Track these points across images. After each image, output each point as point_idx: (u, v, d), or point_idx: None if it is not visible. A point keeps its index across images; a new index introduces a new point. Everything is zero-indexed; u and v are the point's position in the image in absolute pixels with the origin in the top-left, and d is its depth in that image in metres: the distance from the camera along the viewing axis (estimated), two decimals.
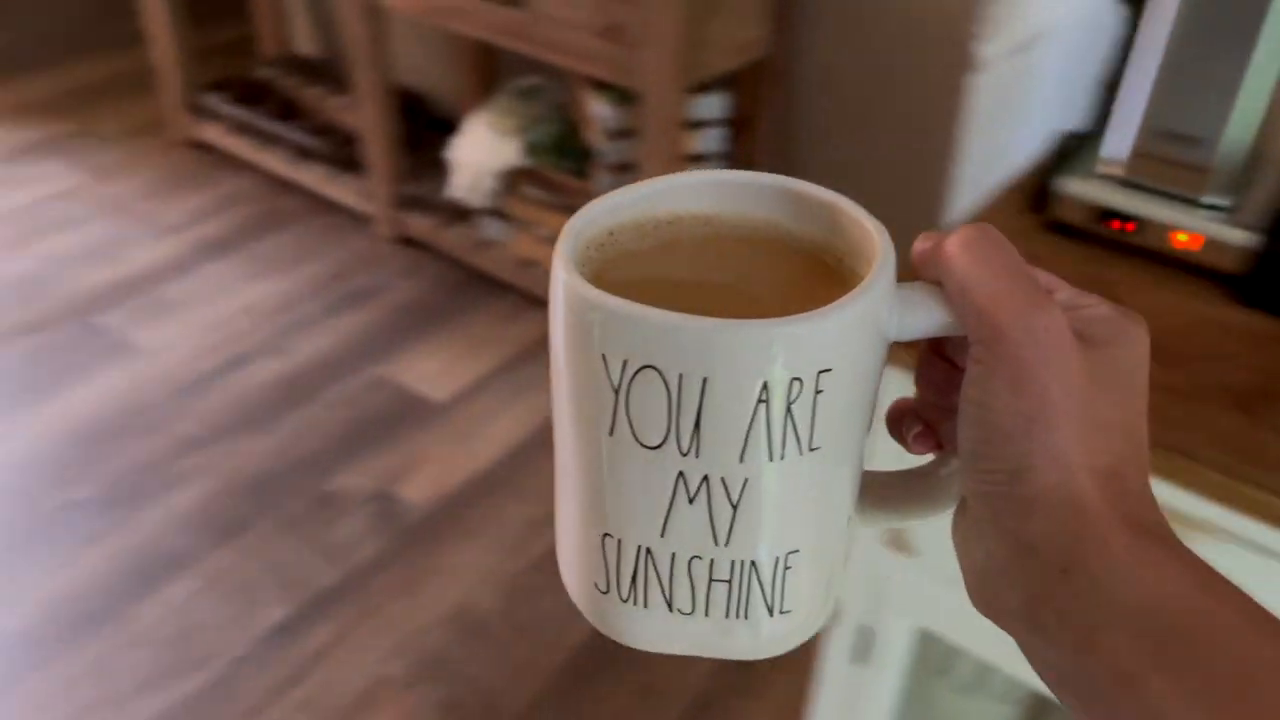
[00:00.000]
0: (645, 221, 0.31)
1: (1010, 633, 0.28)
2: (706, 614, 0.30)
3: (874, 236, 0.29)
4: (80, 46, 2.66)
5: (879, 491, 0.33)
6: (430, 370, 1.67)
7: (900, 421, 0.33)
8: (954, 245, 0.28)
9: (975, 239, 0.27)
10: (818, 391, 0.27)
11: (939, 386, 0.31)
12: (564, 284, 0.28)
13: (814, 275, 0.31)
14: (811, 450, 0.28)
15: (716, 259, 0.32)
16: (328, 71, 2.19)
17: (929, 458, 0.33)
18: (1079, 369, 0.26)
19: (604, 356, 0.27)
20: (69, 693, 1.17)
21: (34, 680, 1.18)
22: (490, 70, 1.99)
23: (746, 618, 0.30)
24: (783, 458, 0.28)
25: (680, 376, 0.27)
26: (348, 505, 1.42)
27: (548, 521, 1.56)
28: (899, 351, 0.30)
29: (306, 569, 1.32)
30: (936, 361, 0.31)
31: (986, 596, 0.28)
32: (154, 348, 1.69)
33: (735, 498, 0.28)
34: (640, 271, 0.31)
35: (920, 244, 0.29)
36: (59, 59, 2.59)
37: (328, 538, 1.37)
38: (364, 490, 1.44)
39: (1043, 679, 0.28)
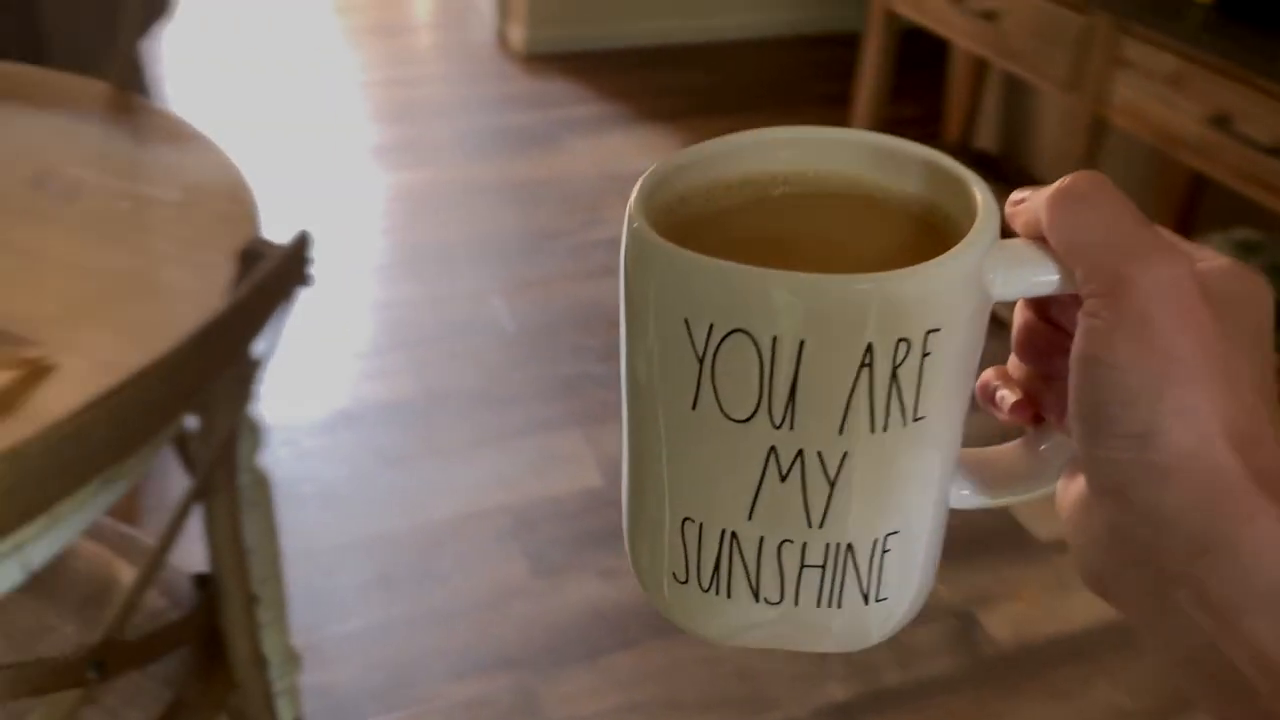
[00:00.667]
0: (719, 183, 0.29)
1: (1130, 613, 0.26)
2: (796, 603, 0.28)
3: (972, 190, 0.27)
4: (783, 99, 2.94)
5: (973, 471, 0.31)
6: (1041, 505, 1.57)
7: (994, 393, 0.31)
8: (1061, 195, 0.26)
9: (1085, 188, 0.25)
10: (925, 354, 0.25)
11: (1041, 352, 0.30)
12: (640, 243, 0.26)
13: (908, 234, 0.29)
14: (916, 420, 0.26)
15: (800, 221, 0.29)
16: (1002, 169, 2.17)
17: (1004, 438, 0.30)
18: (1209, 323, 0.24)
19: (687, 321, 0.25)
20: (640, 681, 1.27)
21: (616, 657, 1.30)
22: (1189, 211, 1.84)
23: (840, 606, 0.28)
24: (885, 429, 0.26)
25: (774, 340, 0.24)
26: (928, 610, 1.37)
27: (1136, 715, 1.38)
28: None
29: (876, 659, 1.30)
30: (1037, 325, 0.30)
31: (1105, 577, 0.27)
32: None
33: (832, 474, 0.26)
34: (716, 236, 0.28)
35: (1016, 198, 0.27)
36: (762, 105, 2.89)
37: (902, 637, 1.34)
38: (946, 601, 1.39)
39: (1162, 663, 0.25)
